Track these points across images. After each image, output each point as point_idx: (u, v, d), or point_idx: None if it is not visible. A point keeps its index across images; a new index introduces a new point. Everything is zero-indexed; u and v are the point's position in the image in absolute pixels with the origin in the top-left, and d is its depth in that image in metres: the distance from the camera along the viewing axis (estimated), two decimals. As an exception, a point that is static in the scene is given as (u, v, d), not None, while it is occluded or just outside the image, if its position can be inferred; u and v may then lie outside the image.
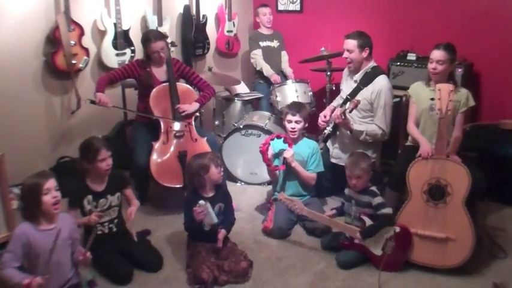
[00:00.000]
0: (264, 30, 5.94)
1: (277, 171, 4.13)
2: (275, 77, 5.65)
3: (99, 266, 3.28)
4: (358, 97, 4.17)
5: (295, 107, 4.22)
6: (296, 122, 4.13)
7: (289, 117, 4.15)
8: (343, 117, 3.92)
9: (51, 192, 2.77)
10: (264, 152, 3.98)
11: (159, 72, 4.42)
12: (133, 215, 3.45)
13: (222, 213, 3.54)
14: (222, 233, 3.43)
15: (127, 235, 3.56)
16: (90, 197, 3.33)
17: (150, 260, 3.44)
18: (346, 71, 4.52)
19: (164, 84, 4.34)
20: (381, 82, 4.17)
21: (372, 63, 4.29)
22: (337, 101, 4.63)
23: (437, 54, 3.74)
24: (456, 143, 3.71)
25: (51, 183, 2.80)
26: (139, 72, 4.34)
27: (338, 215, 3.71)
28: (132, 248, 3.44)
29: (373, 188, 3.55)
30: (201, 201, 3.33)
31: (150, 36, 4.33)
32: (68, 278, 2.91)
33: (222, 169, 3.57)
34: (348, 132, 4.17)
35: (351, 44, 4.20)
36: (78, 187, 3.36)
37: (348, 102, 3.98)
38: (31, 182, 2.78)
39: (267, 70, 5.75)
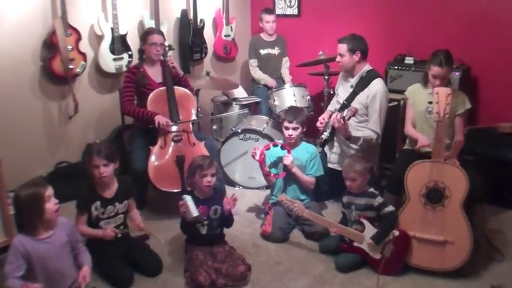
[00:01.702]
0: (265, 37, 5.91)
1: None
2: (271, 83, 5.70)
3: (100, 269, 3.28)
4: (355, 102, 4.18)
5: (292, 113, 4.18)
6: (293, 128, 4.12)
7: (286, 124, 4.14)
8: (342, 122, 3.89)
9: (51, 199, 2.76)
10: (261, 163, 3.99)
11: (154, 73, 4.44)
12: (141, 223, 3.47)
13: (220, 216, 3.53)
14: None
15: (130, 240, 3.54)
16: (98, 203, 3.32)
17: (151, 263, 3.43)
18: (342, 75, 4.52)
19: (162, 88, 4.34)
20: (376, 86, 4.17)
21: (367, 67, 4.28)
22: (333, 105, 4.63)
23: (440, 71, 3.70)
24: (457, 147, 3.72)
25: (50, 190, 2.78)
26: (134, 77, 4.35)
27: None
28: (132, 252, 3.43)
29: (372, 190, 3.55)
30: (184, 195, 3.35)
31: (152, 29, 4.50)
32: (71, 282, 2.90)
33: (212, 178, 3.49)
34: (345, 138, 4.15)
35: (342, 48, 4.21)
36: (87, 192, 3.35)
37: (346, 110, 3.95)
38: (31, 192, 2.72)
39: (262, 79, 5.81)
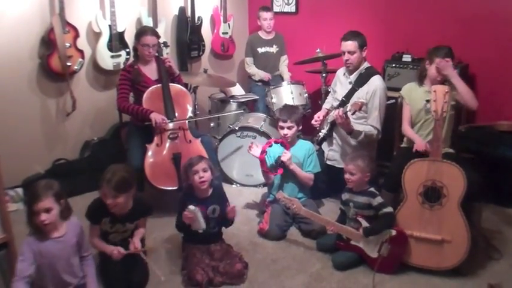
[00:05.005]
0: (263, 35, 5.91)
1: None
2: (265, 76, 5.75)
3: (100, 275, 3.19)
4: (354, 98, 4.18)
5: (286, 112, 4.15)
6: (288, 128, 4.11)
7: (281, 123, 4.13)
8: (344, 117, 3.88)
9: (41, 214, 2.66)
10: (262, 161, 3.98)
11: (149, 70, 4.41)
12: (136, 244, 3.17)
13: (219, 216, 3.52)
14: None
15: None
16: (107, 219, 3.18)
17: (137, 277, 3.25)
18: (339, 72, 4.52)
19: (157, 85, 4.33)
20: (376, 82, 4.17)
21: (366, 64, 4.29)
22: (329, 103, 4.63)
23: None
24: None
25: (44, 204, 2.66)
26: (129, 75, 4.33)
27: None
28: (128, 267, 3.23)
29: (372, 189, 3.54)
30: (191, 206, 3.28)
31: (146, 29, 4.37)
32: (76, 282, 2.90)
33: (204, 173, 3.42)
34: (346, 133, 4.14)
35: (352, 45, 4.17)
36: (98, 207, 3.17)
37: (349, 104, 3.93)
38: (31, 191, 2.72)
39: (256, 74, 5.83)
